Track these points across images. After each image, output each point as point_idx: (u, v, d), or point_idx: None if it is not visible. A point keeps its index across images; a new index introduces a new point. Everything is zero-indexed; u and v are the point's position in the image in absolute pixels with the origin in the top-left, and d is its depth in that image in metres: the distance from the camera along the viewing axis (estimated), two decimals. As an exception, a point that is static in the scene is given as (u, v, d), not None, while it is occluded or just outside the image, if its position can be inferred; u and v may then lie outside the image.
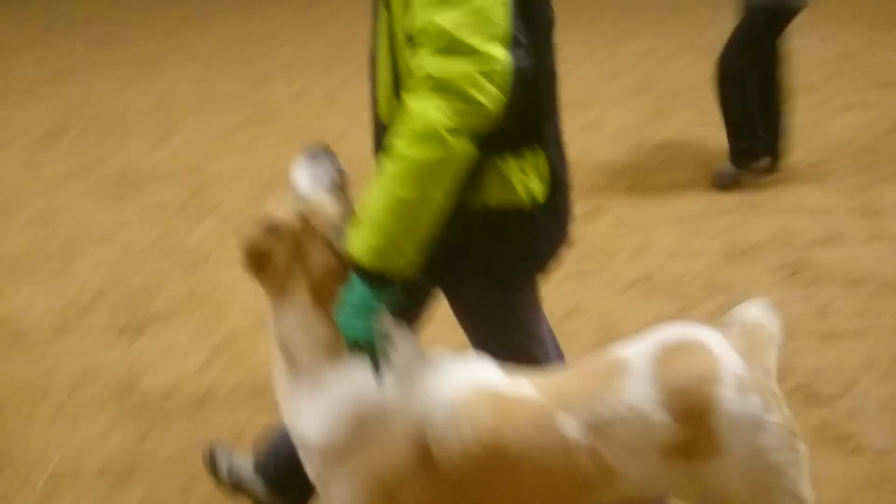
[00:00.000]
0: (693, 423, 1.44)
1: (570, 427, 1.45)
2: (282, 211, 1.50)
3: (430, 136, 1.31)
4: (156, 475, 2.49)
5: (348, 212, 1.53)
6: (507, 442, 1.45)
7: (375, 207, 1.37)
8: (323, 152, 1.61)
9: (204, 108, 6.14)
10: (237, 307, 3.44)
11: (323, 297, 1.47)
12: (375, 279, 1.38)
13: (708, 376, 1.46)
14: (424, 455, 1.46)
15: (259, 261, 1.50)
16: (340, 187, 1.58)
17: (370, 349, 1.41)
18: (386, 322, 1.45)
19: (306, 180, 1.58)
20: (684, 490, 1.56)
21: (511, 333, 1.74)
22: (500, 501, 1.52)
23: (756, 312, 1.55)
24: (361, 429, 1.46)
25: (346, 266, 1.44)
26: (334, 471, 1.51)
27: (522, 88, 1.39)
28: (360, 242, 1.39)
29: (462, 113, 1.31)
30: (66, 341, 3.20)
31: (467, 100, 1.31)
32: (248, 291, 3.46)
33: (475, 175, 1.49)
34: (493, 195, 1.56)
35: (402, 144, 1.34)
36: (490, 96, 1.32)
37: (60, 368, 3.02)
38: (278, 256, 1.48)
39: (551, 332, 1.93)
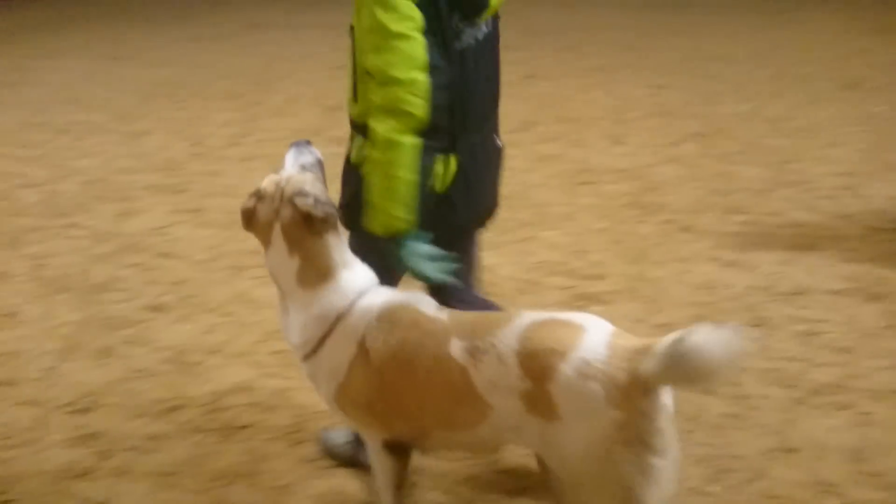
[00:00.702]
0: (535, 381, 1.79)
1: (456, 346, 1.91)
2: (265, 182, 2.12)
3: (387, 142, 1.98)
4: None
5: (317, 183, 2.13)
6: (410, 345, 1.97)
7: (370, 197, 2.04)
8: (306, 144, 2.26)
9: (654, 117, 6.48)
10: (672, 302, 3.69)
11: (292, 240, 2.06)
12: (395, 241, 2.05)
13: (559, 351, 1.78)
14: (363, 351, 2.01)
15: (248, 217, 2.12)
16: (313, 167, 2.19)
17: (438, 279, 2.07)
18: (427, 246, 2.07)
19: (290, 162, 2.21)
20: (537, 444, 1.91)
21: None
22: (404, 388, 2.00)
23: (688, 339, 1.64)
24: (321, 336, 2.05)
25: (307, 219, 2.03)
26: (309, 364, 2.11)
27: (445, 97, 2.00)
28: (371, 225, 2.07)
29: (402, 122, 1.96)
30: (525, 301, 3.74)
31: (403, 113, 1.96)
32: (685, 288, 3.77)
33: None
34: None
35: (374, 153, 2.02)
36: (417, 107, 1.96)
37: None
38: (260, 213, 2.09)
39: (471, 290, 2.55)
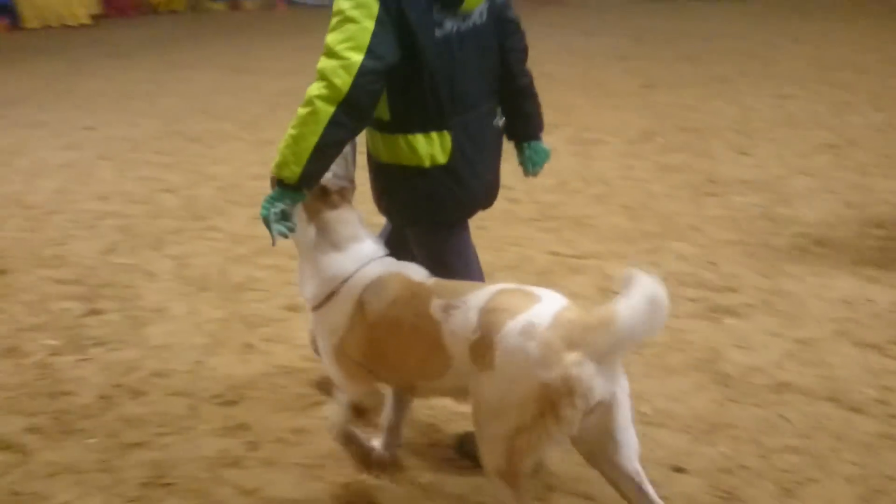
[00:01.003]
0: (484, 333, 2.05)
1: (435, 306, 2.19)
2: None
3: (308, 101, 2.22)
4: (735, 438, 2.80)
5: (339, 160, 2.38)
6: (398, 305, 2.27)
7: (281, 142, 2.27)
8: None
9: (782, 128, 6.29)
10: (812, 317, 3.58)
11: (311, 210, 2.40)
12: (279, 184, 2.28)
13: (510, 312, 2.03)
14: (359, 310, 2.31)
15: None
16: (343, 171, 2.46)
17: (266, 223, 2.29)
18: (290, 212, 2.31)
19: None
20: (471, 388, 2.12)
21: (437, 265, 2.49)
22: (391, 341, 2.29)
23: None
24: (329, 293, 2.37)
25: (324, 192, 2.39)
26: (315, 317, 2.43)
27: (378, 84, 2.24)
28: (273, 163, 2.30)
29: (326, 88, 2.19)
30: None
31: (329, 83, 2.19)
32: (824, 304, 3.64)
33: (391, 144, 2.43)
34: (403, 158, 2.43)
35: (299, 108, 2.25)
36: (341, 81, 2.17)
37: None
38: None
39: (477, 270, 2.73)
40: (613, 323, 1.89)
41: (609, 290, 3.89)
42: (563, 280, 4.03)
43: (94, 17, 15.73)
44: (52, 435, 3.02)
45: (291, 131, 2.25)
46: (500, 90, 2.59)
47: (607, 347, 1.92)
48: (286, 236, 2.34)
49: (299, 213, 2.39)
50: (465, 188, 2.49)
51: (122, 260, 4.58)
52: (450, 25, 2.34)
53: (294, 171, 2.24)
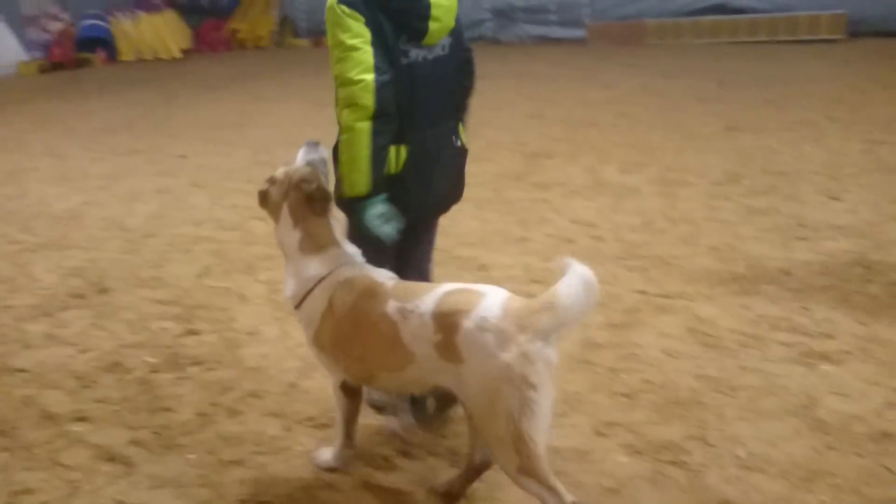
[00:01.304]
0: (445, 334, 2.35)
1: (391, 307, 2.50)
2: (278, 171, 2.79)
3: (347, 128, 2.62)
4: (835, 487, 2.73)
5: (318, 174, 2.75)
6: (360, 305, 2.58)
7: (339, 169, 2.71)
8: (315, 144, 2.87)
9: (873, 174, 6.15)
10: (914, 366, 3.47)
11: (297, 217, 2.71)
12: (358, 202, 2.67)
13: (464, 311, 2.33)
14: (329, 306, 2.64)
15: (262, 197, 2.82)
16: (320, 160, 2.81)
17: (373, 230, 2.68)
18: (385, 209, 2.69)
19: (300, 157, 2.82)
20: (451, 383, 2.42)
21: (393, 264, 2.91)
22: (355, 337, 2.60)
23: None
24: (304, 293, 2.69)
25: (309, 201, 2.70)
26: (298, 313, 2.74)
27: (391, 91, 2.63)
28: (340, 190, 2.72)
29: (358, 112, 2.59)
30: (750, 352, 3.64)
31: (357, 105, 2.59)
32: None
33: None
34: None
35: (341, 136, 2.66)
36: (367, 100, 2.58)
37: (748, 373, 3.46)
38: (273, 194, 2.78)
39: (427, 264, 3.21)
40: (555, 306, 2.25)
41: (699, 332, 3.85)
42: (652, 319, 4.00)
43: (185, 52, 16.43)
44: (153, 448, 3.14)
45: (344, 157, 2.66)
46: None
47: (551, 326, 2.27)
48: (396, 234, 2.74)
49: (286, 219, 2.74)
50: (413, 196, 2.84)
51: (216, 283, 4.74)
52: (415, 54, 2.77)
53: (364, 184, 2.65)
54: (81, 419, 3.34)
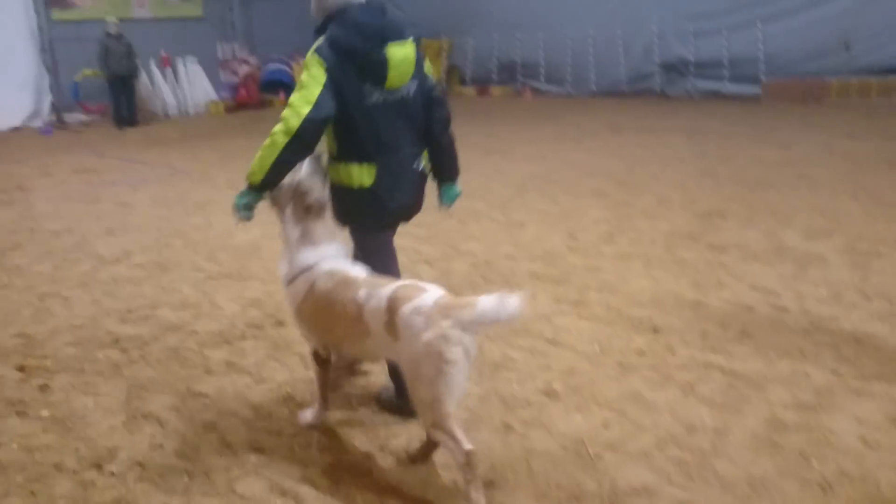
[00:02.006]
0: (390, 315, 3.01)
1: (360, 294, 3.14)
2: (285, 179, 3.37)
3: (272, 134, 3.23)
4: None
5: (318, 184, 3.42)
6: (335, 292, 3.22)
7: (254, 159, 3.31)
8: (317, 157, 3.45)
9: None
10: None
11: (297, 217, 3.38)
12: (248, 186, 3.36)
13: (405, 299, 3.00)
14: (311, 289, 3.30)
15: (273, 200, 3.44)
16: (321, 173, 3.46)
17: (236, 209, 3.42)
18: (253, 206, 3.42)
19: (304, 168, 3.40)
20: (393, 355, 3.15)
21: (366, 257, 3.54)
22: (328, 313, 3.25)
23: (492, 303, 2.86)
24: (294, 275, 3.36)
25: (314, 204, 3.38)
26: (287, 290, 3.42)
27: (319, 127, 3.27)
28: (247, 172, 3.35)
29: (283, 127, 3.22)
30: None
31: (286, 123, 3.21)
32: None
33: (337, 169, 3.46)
34: (344, 179, 3.44)
35: (269, 136, 3.25)
36: (294, 123, 3.19)
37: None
38: (281, 199, 3.42)
39: (395, 265, 3.73)
40: (474, 306, 2.88)
41: (903, 422, 3.49)
42: (847, 403, 3.67)
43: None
44: (322, 488, 3.16)
45: (259, 152, 3.30)
46: (426, 144, 3.59)
47: (469, 320, 2.89)
48: (248, 220, 3.47)
49: (289, 217, 3.42)
50: (382, 206, 3.50)
51: (384, 324, 4.81)
52: (378, 96, 3.38)
53: (259, 178, 3.34)
54: (257, 450, 3.44)
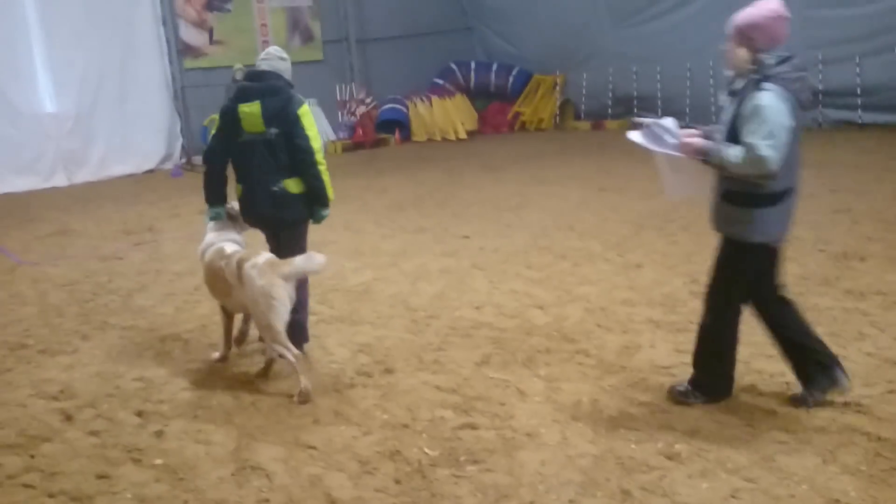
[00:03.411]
0: (239, 271, 4.58)
1: (226, 261, 4.75)
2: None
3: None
4: None
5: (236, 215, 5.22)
6: (215, 261, 4.84)
7: None
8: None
9: None
10: None
11: (222, 225, 5.14)
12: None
13: (246, 260, 4.59)
14: (205, 260, 4.96)
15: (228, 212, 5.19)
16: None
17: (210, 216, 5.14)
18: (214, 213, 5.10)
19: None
20: (246, 301, 4.63)
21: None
22: (210, 277, 4.93)
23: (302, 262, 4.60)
24: (203, 251, 5.00)
25: (231, 213, 5.17)
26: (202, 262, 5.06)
27: (220, 158, 5.03)
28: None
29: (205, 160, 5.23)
30: None
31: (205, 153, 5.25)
32: None
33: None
34: (237, 191, 5.05)
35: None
36: (205, 154, 5.21)
37: None
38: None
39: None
40: (291, 263, 4.52)
41: None
42: None
43: (470, 133, 17.27)
44: (429, 552, 3.02)
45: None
46: (295, 175, 4.85)
47: (289, 273, 4.50)
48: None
49: (224, 220, 5.08)
50: (247, 214, 5.01)
51: (495, 374, 4.66)
52: (247, 136, 4.80)
53: (208, 199, 5.06)
54: (363, 508, 3.34)
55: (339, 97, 17.86)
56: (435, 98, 17.42)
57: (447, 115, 17.30)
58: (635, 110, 17.29)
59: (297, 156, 4.76)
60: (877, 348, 4.63)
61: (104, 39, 15.10)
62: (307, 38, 18.28)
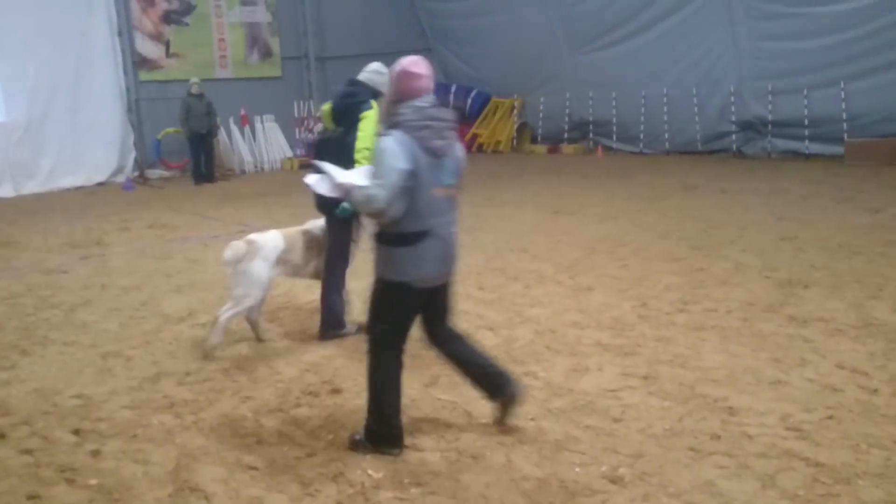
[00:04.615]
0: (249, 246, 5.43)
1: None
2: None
3: None
4: None
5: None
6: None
7: None
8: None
9: None
10: None
11: None
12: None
13: (254, 239, 5.50)
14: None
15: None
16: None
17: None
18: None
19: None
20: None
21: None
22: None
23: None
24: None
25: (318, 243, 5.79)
26: None
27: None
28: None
29: None
30: None
31: None
32: None
33: None
34: None
35: None
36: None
37: None
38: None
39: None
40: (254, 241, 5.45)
41: None
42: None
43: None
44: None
45: None
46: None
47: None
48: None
49: None
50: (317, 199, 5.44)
51: (443, 395, 4.63)
52: (326, 133, 5.61)
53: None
54: (302, 531, 3.28)
55: (297, 114, 17.80)
56: (393, 118, 17.46)
57: (405, 134, 17.34)
58: (591, 135, 17.56)
59: (346, 151, 5.17)
60: (818, 374, 4.71)
61: (58, 49, 14.87)
62: (266, 54, 18.23)
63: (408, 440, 4.04)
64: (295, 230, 5.70)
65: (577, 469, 3.72)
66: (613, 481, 3.60)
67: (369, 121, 5.21)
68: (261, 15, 18.01)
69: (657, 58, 15.92)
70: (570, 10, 17.04)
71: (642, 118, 16.49)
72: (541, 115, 18.35)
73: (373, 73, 5.38)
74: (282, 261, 5.50)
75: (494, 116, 18.67)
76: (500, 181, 13.59)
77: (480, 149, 18.42)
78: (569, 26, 17.28)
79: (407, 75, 3.74)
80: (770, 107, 14.65)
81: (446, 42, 20.05)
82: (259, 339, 5.68)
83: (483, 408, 4.45)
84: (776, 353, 5.06)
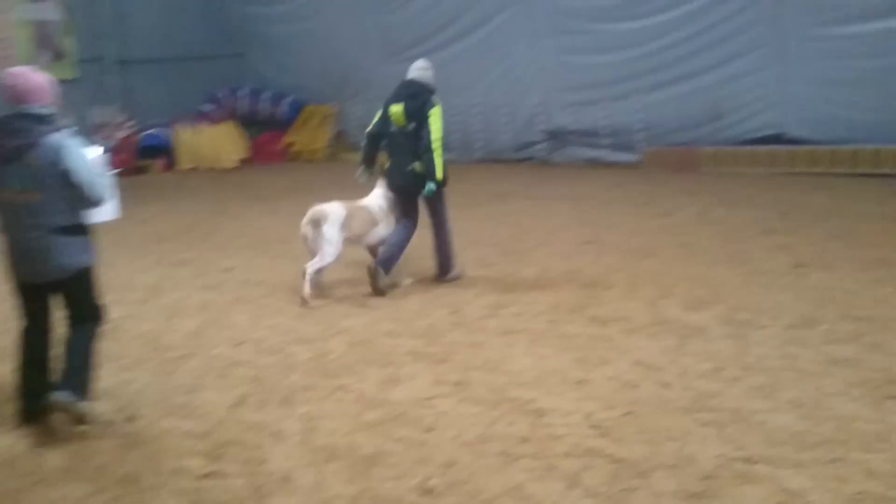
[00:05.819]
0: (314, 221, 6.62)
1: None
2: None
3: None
4: None
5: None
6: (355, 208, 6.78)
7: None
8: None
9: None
10: None
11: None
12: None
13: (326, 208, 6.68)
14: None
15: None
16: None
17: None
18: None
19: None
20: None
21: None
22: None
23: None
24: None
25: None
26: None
27: (379, 139, 7.21)
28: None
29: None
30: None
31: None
32: None
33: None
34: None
35: None
36: (368, 128, 7.38)
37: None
38: None
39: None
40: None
41: (789, 509, 3.37)
42: (732, 490, 3.54)
43: (242, 161, 16.73)
44: None
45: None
46: (418, 157, 6.71)
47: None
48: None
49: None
50: (391, 182, 6.99)
51: (250, 416, 4.42)
52: (395, 129, 6.83)
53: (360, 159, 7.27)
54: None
55: (94, 120, 16.60)
56: (202, 124, 16.72)
57: (215, 142, 16.65)
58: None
59: (420, 143, 6.50)
60: (617, 372, 4.94)
61: None
62: (58, 54, 16.89)
63: (210, 467, 3.79)
64: (355, 203, 6.82)
65: (389, 483, 3.66)
66: (425, 492, 3.57)
67: (437, 116, 6.57)
68: (50, 13, 16.68)
69: (470, 68, 16.29)
70: (386, 18, 17.10)
71: (454, 127, 16.80)
72: (358, 122, 18.26)
73: (420, 70, 6.77)
74: (345, 226, 6.57)
75: (310, 123, 18.36)
76: (315, 191, 13.23)
77: (296, 157, 18.05)
78: (385, 34, 17.34)
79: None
80: (573, 117, 15.43)
81: (262, 47, 19.49)
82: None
83: (293, 425, 4.29)
84: (580, 353, 5.26)
